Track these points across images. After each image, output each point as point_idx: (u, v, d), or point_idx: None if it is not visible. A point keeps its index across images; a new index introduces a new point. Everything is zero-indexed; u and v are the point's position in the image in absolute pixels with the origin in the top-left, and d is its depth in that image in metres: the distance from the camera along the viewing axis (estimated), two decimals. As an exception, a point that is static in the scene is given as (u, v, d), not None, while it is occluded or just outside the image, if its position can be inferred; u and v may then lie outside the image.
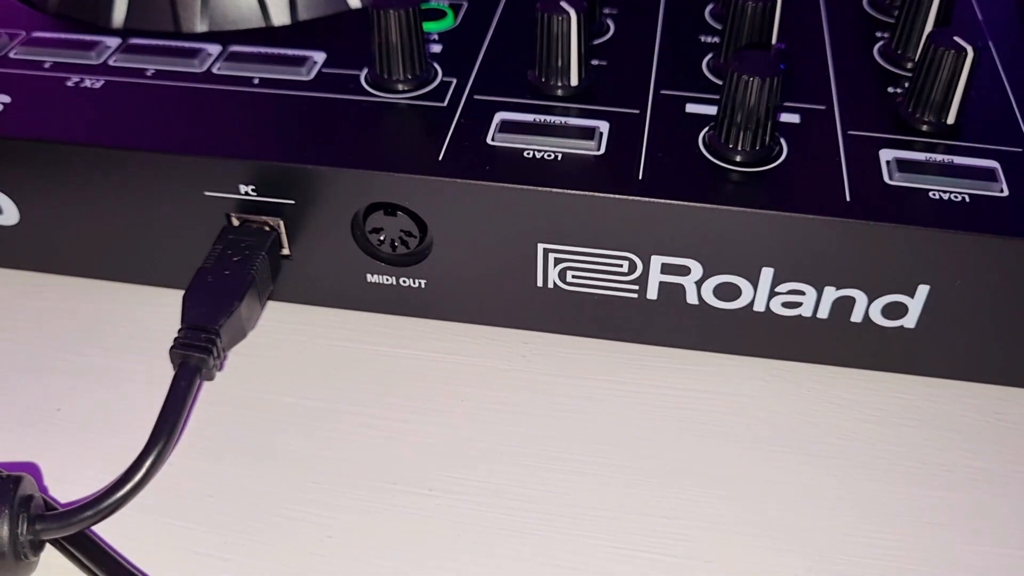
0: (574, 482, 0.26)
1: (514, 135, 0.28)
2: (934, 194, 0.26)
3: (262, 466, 0.26)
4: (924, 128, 0.28)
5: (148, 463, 0.24)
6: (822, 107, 0.29)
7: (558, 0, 0.28)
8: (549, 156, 0.27)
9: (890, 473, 0.26)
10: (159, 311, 0.31)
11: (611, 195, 0.26)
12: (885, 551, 0.24)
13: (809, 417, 0.28)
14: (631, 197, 0.26)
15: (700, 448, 0.27)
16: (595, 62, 0.31)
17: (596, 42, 0.32)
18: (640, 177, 0.26)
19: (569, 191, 0.26)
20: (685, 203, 0.26)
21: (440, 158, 0.27)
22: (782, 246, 0.26)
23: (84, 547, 0.24)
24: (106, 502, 0.24)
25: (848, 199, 0.26)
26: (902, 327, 0.27)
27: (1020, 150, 0.28)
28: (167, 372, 0.26)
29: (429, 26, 0.32)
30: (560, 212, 0.26)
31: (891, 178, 0.26)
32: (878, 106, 0.29)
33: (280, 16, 0.33)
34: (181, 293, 0.30)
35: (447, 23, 0.32)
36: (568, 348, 0.29)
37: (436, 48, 0.31)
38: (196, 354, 0.25)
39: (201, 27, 0.32)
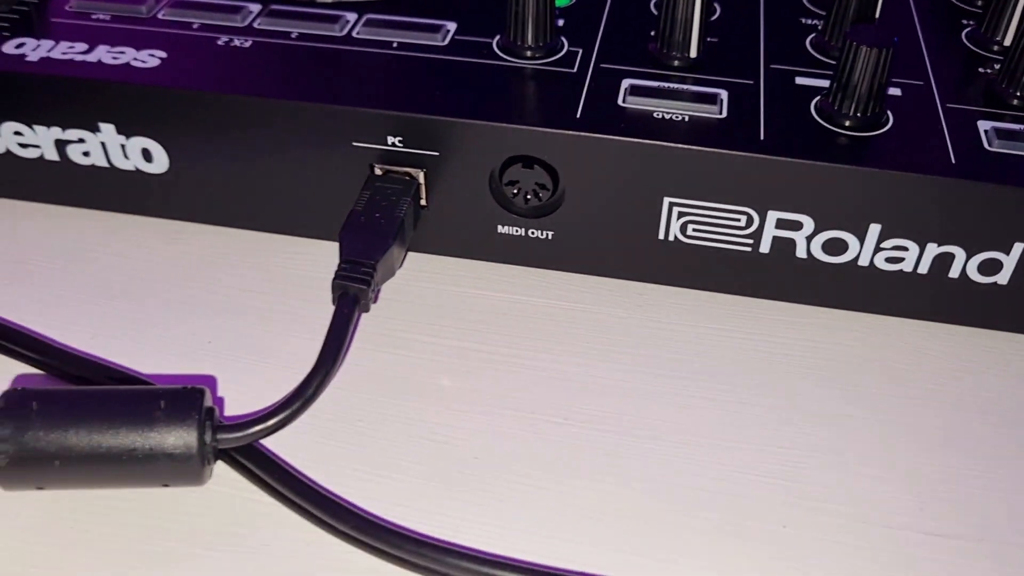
0: (697, 415, 0.28)
1: (643, 98, 0.30)
2: (1027, 158, 0.28)
3: (407, 397, 0.29)
4: (1016, 103, 0.31)
5: (316, 384, 0.26)
6: (920, 83, 0.31)
7: (683, -23, 0.30)
8: (677, 117, 0.29)
9: (980, 413, 0.29)
10: (297, 258, 0.33)
11: (737, 152, 0.28)
12: (978, 481, 0.27)
13: (901, 367, 0.30)
14: (755, 155, 0.28)
15: (806, 388, 0.29)
16: (709, 38, 0.33)
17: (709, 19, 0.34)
18: (762, 138, 0.29)
19: (699, 147, 0.28)
20: (804, 161, 0.28)
21: (578, 116, 0.29)
22: (890, 204, 0.29)
23: (254, 458, 0.26)
24: (277, 417, 0.26)
25: (954, 161, 0.28)
26: (995, 283, 0.30)
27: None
28: (309, 311, 0.29)
29: (549, 2, 0.34)
30: (688, 168, 0.29)
31: (990, 145, 0.29)
32: (972, 83, 0.32)
33: (405, -11, 0.35)
34: (315, 242, 0.32)
35: (566, 0, 0.35)
36: (680, 298, 0.32)
37: (559, 22, 0.34)
38: (355, 285, 0.28)
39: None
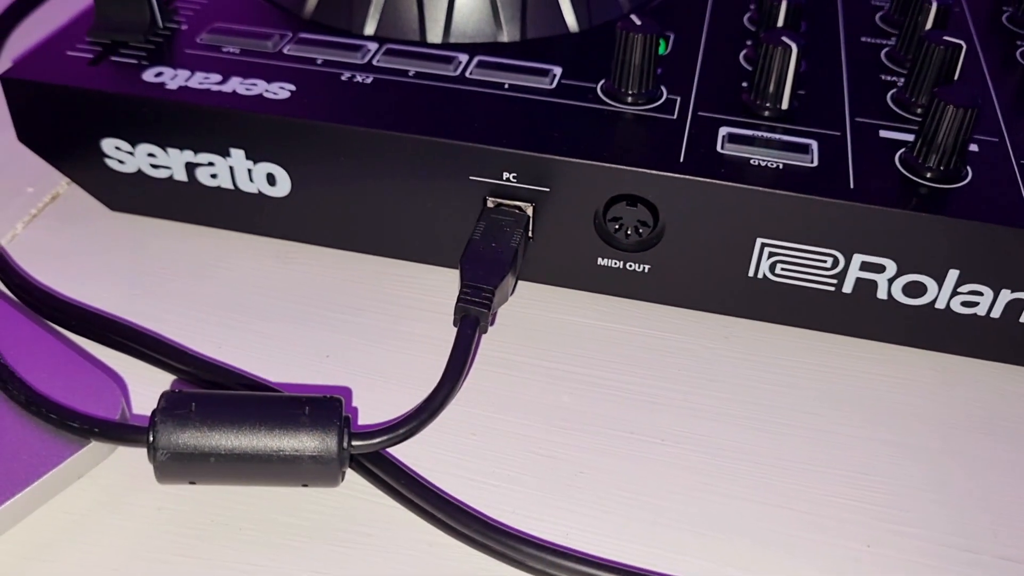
0: (784, 440, 0.30)
1: (740, 145, 0.32)
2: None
3: (517, 414, 0.31)
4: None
5: (441, 397, 0.28)
6: (995, 139, 0.34)
7: (780, 34, 0.33)
8: (772, 164, 0.32)
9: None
10: (406, 281, 0.35)
11: (828, 199, 0.31)
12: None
13: (978, 403, 0.32)
14: (845, 202, 0.31)
15: (886, 420, 0.31)
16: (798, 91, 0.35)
17: (791, 74, 0.37)
18: (852, 186, 0.31)
19: (793, 193, 0.31)
20: (890, 209, 0.30)
21: (681, 159, 0.32)
22: (968, 251, 0.31)
23: (381, 464, 0.29)
24: (406, 427, 0.28)
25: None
26: (1064, 329, 0.32)
27: None
28: (419, 331, 0.32)
29: (644, 51, 0.37)
30: (781, 212, 0.31)
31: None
32: (1034, 139, 0.34)
33: (511, 33, 0.38)
34: (425, 267, 0.35)
35: (662, 50, 0.37)
36: (765, 333, 0.34)
37: (658, 71, 0.36)
38: (476, 308, 0.30)
39: (442, 38, 0.37)
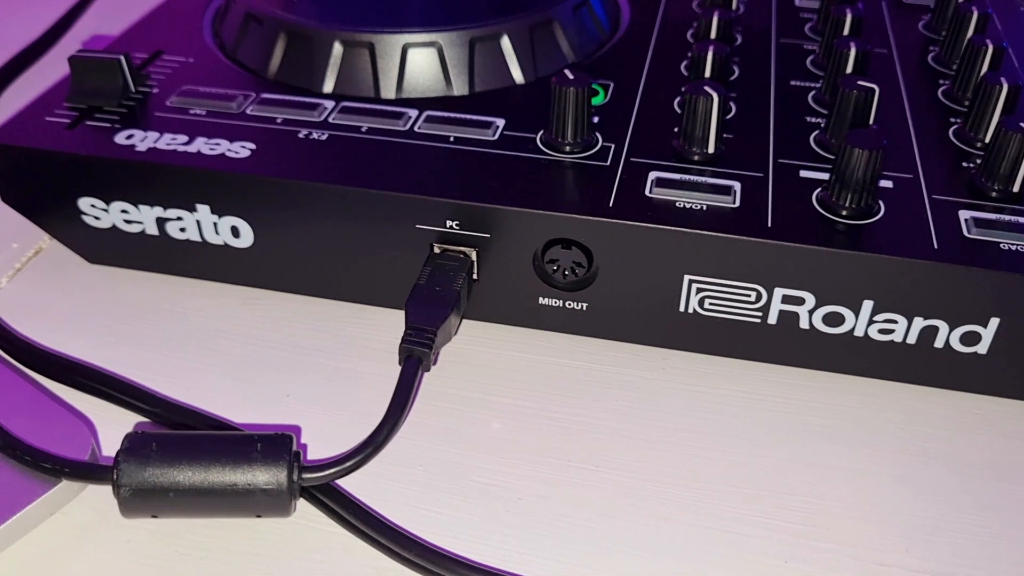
0: (714, 465, 0.33)
1: (667, 189, 0.35)
2: (1004, 245, 0.33)
3: (460, 445, 0.33)
4: (994, 194, 0.35)
5: (385, 432, 0.31)
6: (910, 176, 0.36)
7: (703, 84, 0.35)
8: (696, 206, 0.34)
9: (964, 466, 0.33)
10: (363, 323, 0.38)
11: (748, 238, 0.33)
12: (969, 528, 0.31)
13: (897, 425, 0.34)
14: (763, 240, 0.33)
15: (811, 443, 0.33)
16: (725, 135, 0.38)
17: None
18: (769, 225, 0.33)
19: (715, 233, 0.33)
20: (805, 246, 0.33)
21: (611, 204, 0.34)
22: (880, 283, 0.33)
23: (331, 495, 0.31)
24: (352, 460, 0.30)
25: (936, 247, 0.33)
26: (976, 353, 0.34)
27: (1071, 215, 0.34)
28: (373, 370, 0.33)
29: (585, 101, 0.39)
30: (705, 250, 0.33)
31: (969, 232, 0.33)
32: (956, 176, 0.36)
33: (460, 88, 0.40)
34: (380, 310, 0.37)
35: (600, 99, 0.40)
36: (699, 363, 0.36)
37: (593, 119, 0.39)
38: (419, 348, 0.32)
39: (396, 94, 0.40)
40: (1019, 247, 0.33)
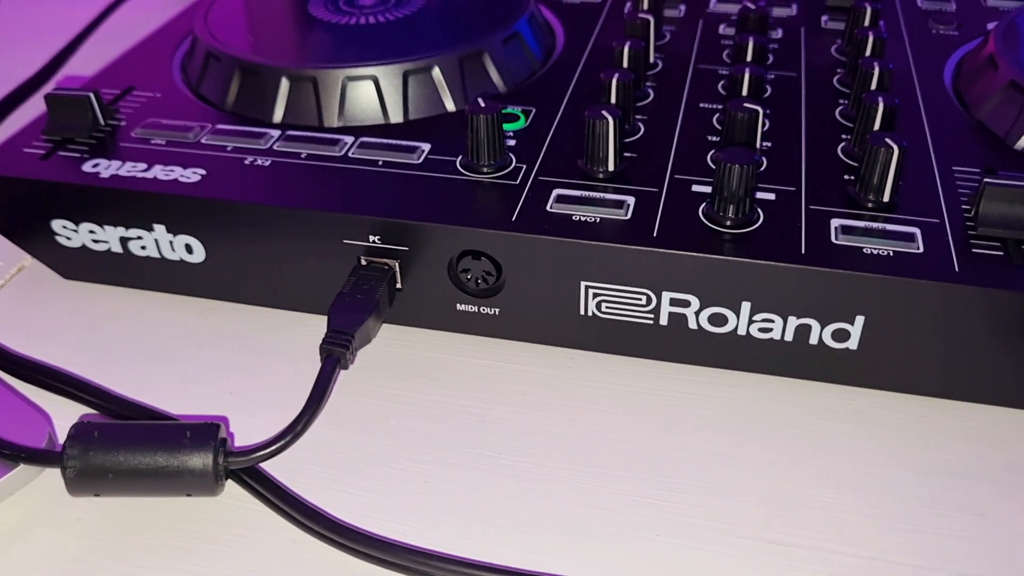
0: (606, 451, 0.36)
1: (567, 204, 0.38)
2: (867, 249, 0.36)
3: (377, 435, 0.37)
4: (868, 205, 0.38)
5: (303, 422, 0.35)
6: (792, 188, 0.40)
7: (600, 109, 0.39)
8: (591, 219, 0.38)
9: (823, 451, 0.36)
10: (306, 329, 0.42)
11: (634, 247, 0.37)
12: (828, 505, 0.34)
13: (775, 415, 0.38)
14: (649, 248, 0.37)
15: (696, 432, 0.37)
16: (628, 154, 0.42)
17: (631, 139, 0.43)
18: (655, 235, 0.37)
19: (606, 243, 0.37)
20: (686, 253, 0.36)
21: (514, 219, 0.38)
22: (756, 286, 0.36)
23: (256, 478, 0.35)
24: (273, 446, 0.34)
25: (803, 252, 0.36)
26: (847, 348, 0.37)
27: (938, 220, 0.38)
28: (305, 370, 0.37)
29: (507, 126, 0.43)
30: (597, 259, 0.37)
31: (836, 238, 0.37)
32: (835, 188, 0.39)
33: (396, 116, 0.44)
34: (316, 317, 0.41)
35: (520, 124, 0.44)
36: (601, 362, 0.40)
37: (512, 142, 0.43)
38: (338, 349, 0.36)
39: (338, 123, 0.44)
40: (880, 251, 0.36)
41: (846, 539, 0.33)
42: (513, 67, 0.47)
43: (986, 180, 0.37)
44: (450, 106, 0.45)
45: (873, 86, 0.43)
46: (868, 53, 0.46)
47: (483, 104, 0.40)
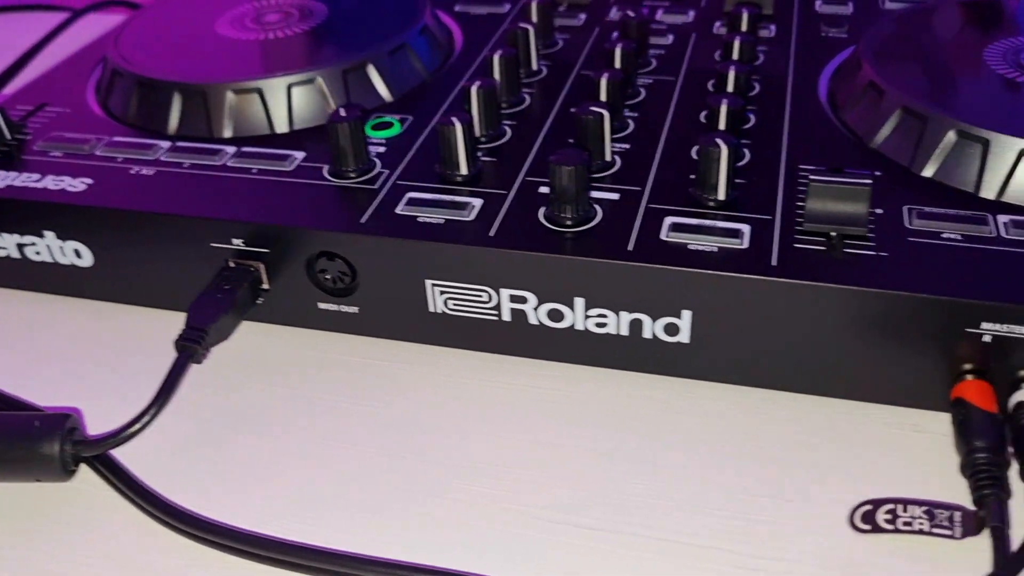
0: (451, 440, 0.38)
1: (415, 207, 0.40)
2: (692, 246, 0.38)
3: (230, 423, 0.39)
4: (711, 204, 0.40)
5: (151, 413, 0.37)
6: (638, 188, 0.41)
7: (451, 115, 0.41)
8: (435, 220, 0.40)
9: (653, 440, 0.37)
10: (166, 325, 0.44)
11: (472, 246, 0.38)
12: (646, 491, 0.35)
13: (622, 408, 0.39)
14: (484, 248, 0.38)
15: (538, 423, 0.38)
16: (488, 158, 0.43)
17: (496, 143, 0.44)
18: (493, 234, 0.39)
19: (446, 243, 0.39)
20: (517, 251, 0.38)
21: (363, 221, 0.40)
22: (586, 282, 0.38)
23: (107, 464, 0.37)
24: (120, 435, 0.36)
25: (630, 249, 0.38)
26: (680, 342, 0.39)
27: (770, 217, 0.39)
28: (164, 363, 0.40)
29: (381, 134, 0.46)
30: (438, 258, 0.39)
31: (665, 236, 0.38)
32: (680, 188, 0.41)
33: (281, 126, 0.47)
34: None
35: (394, 132, 0.46)
36: (452, 357, 0.42)
37: (381, 149, 0.45)
38: (191, 344, 0.39)
39: (227, 134, 0.47)
40: (704, 247, 0.37)
41: (656, 523, 0.34)
42: (400, 77, 0.49)
43: (811, 177, 0.38)
44: (387, 98, 0.47)
45: (730, 88, 0.44)
46: (736, 57, 0.47)
47: (343, 113, 0.42)
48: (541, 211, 0.40)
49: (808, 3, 0.57)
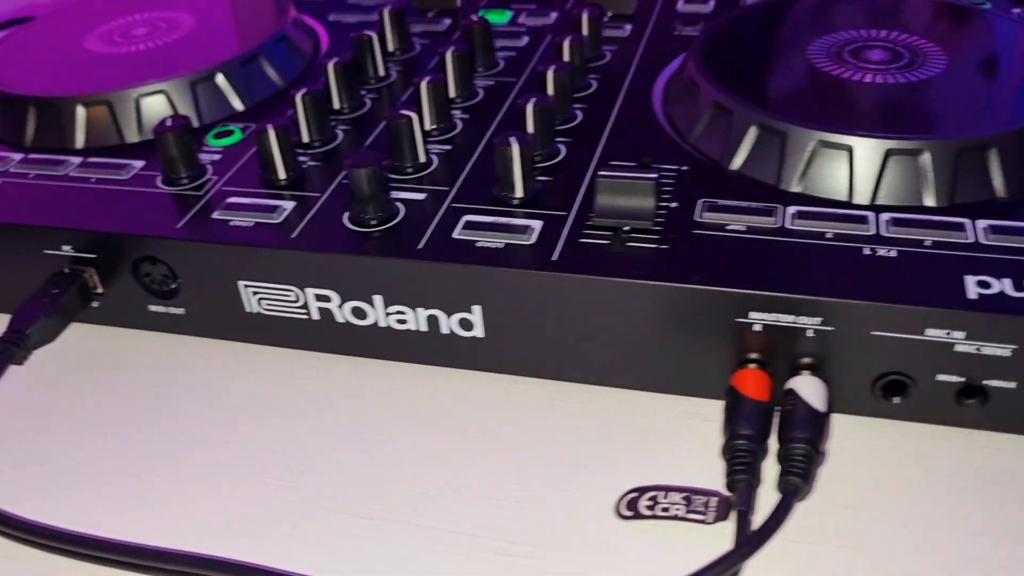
0: (264, 432, 0.39)
1: (230, 211, 0.42)
2: (480, 243, 0.39)
3: (45, 421, 0.41)
4: (515, 202, 0.41)
5: (-30, 413, 0.39)
6: (446, 188, 0.42)
7: (265, 123, 0.43)
8: (244, 223, 0.41)
9: (453, 435, 0.38)
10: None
11: (276, 248, 0.40)
12: (420, 481, 0.37)
13: (423, 399, 0.40)
14: (284, 249, 0.40)
15: (361, 419, 0.40)
16: (312, 162, 0.45)
17: (324, 148, 0.46)
18: (293, 236, 0.40)
19: (252, 245, 0.40)
20: (317, 253, 0.39)
21: (178, 226, 0.42)
22: (382, 280, 0.39)
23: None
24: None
25: (420, 247, 0.39)
26: (475, 336, 0.40)
27: (565, 213, 0.40)
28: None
29: (221, 142, 0.47)
30: (249, 261, 0.40)
31: (458, 234, 0.39)
32: (484, 188, 0.42)
33: (132, 137, 0.49)
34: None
35: (234, 140, 0.47)
36: (274, 356, 0.43)
37: (217, 157, 0.46)
38: (10, 345, 0.40)
39: (79, 145, 0.49)
40: (492, 243, 0.38)
41: (425, 512, 0.35)
42: (253, 86, 0.51)
43: (599, 174, 0.39)
44: (238, 107, 0.49)
45: (550, 90, 0.45)
46: (567, 58, 0.48)
47: (168, 123, 0.44)
48: (346, 214, 0.41)
49: (672, 2, 0.58)
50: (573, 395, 0.40)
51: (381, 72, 0.52)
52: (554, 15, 0.57)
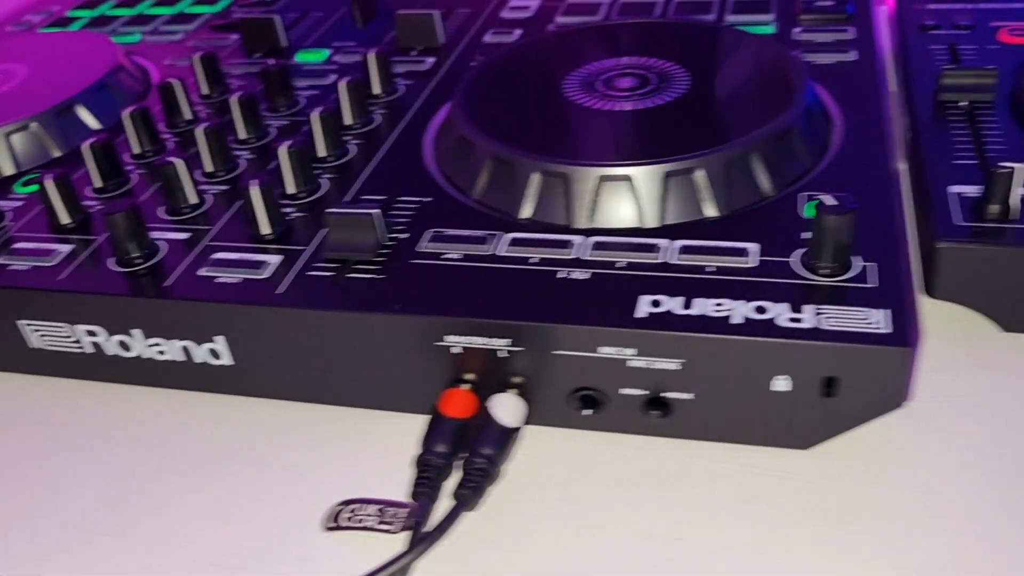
0: (55, 467, 0.43)
1: (13, 257, 0.46)
2: (220, 279, 0.42)
3: None
4: (266, 238, 0.44)
5: None
6: (207, 227, 0.46)
7: (49, 172, 0.46)
8: (20, 268, 0.45)
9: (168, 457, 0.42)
10: None
11: (42, 290, 0.44)
12: (178, 503, 0.40)
13: (179, 423, 0.44)
14: (54, 292, 0.43)
15: (99, 440, 0.43)
16: (100, 207, 0.49)
17: (109, 195, 0.50)
18: (64, 278, 0.44)
19: (26, 289, 0.44)
20: (77, 292, 0.43)
21: (-37, 271, 0.46)
22: (136, 315, 0.43)
23: None
24: None
25: (167, 284, 0.42)
26: (224, 364, 0.43)
27: (303, 248, 0.43)
28: None
29: (26, 189, 0.51)
30: (21, 302, 0.44)
31: (204, 271, 0.43)
32: (246, 226, 0.46)
33: (8, 170, 0.53)
34: None
35: (36, 187, 0.51)
36: (56, 385, 0.47)
37: (21, 203, 0.50)
38: None
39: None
40: (230, 279, 0.42)
41: (139, 524, 0.39)
42: (70, 133, 0.55)
43: (326, 209, 0.42)
44: (54, 153, 0.54)
45: (316, 130, 0.49)
46: (344, 97, 0.52)
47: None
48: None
49: (480, 34, 0.61)
50: (313, 415, 0.43)
51: (187, 116, 0.55)
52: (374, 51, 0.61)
